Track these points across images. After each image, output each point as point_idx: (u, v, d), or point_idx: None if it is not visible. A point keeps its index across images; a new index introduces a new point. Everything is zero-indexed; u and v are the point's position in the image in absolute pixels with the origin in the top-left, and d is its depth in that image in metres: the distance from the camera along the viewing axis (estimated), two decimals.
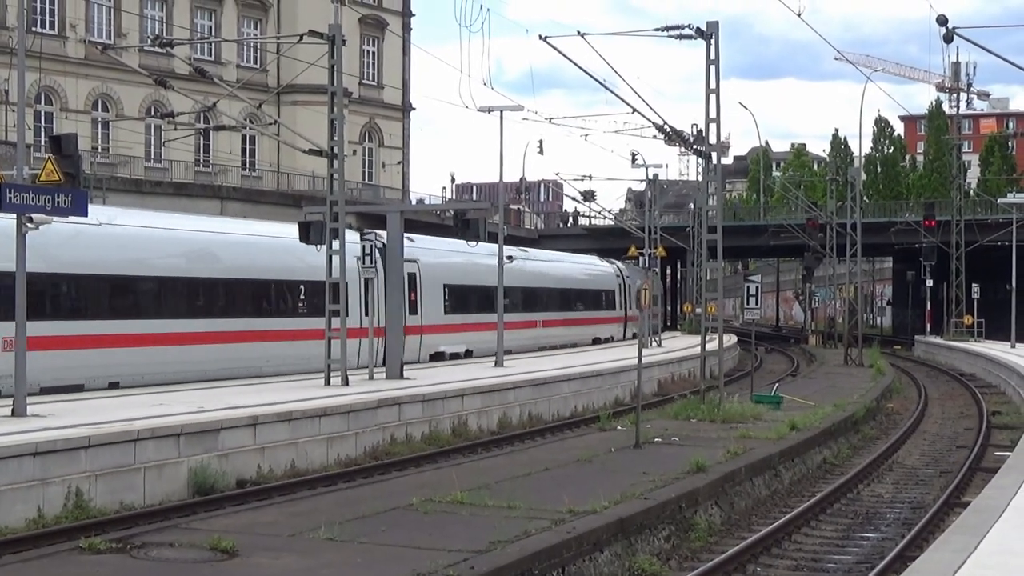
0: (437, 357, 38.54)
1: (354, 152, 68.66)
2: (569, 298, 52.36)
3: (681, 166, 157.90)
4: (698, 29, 29.58)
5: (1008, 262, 58.39)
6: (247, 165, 67.64)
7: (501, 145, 37.48)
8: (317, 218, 29.50)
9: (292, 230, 29.93)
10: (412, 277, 36.28)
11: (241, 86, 41.46)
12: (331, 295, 28.45)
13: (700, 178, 64.15)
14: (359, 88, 71.68)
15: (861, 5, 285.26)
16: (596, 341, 54.28)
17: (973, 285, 65.21)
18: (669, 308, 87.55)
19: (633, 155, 59.66)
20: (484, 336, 39.72)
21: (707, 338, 33.48)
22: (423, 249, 38.57)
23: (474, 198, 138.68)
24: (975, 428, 31.91)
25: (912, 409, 37.20)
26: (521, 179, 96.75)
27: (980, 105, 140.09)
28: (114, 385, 26.13)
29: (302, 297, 32.18)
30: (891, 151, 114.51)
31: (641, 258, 53.16)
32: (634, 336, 59.25)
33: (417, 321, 36.96)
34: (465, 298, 41.20)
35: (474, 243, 35.06)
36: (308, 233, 29.03)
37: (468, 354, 40.33)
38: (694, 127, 61.00)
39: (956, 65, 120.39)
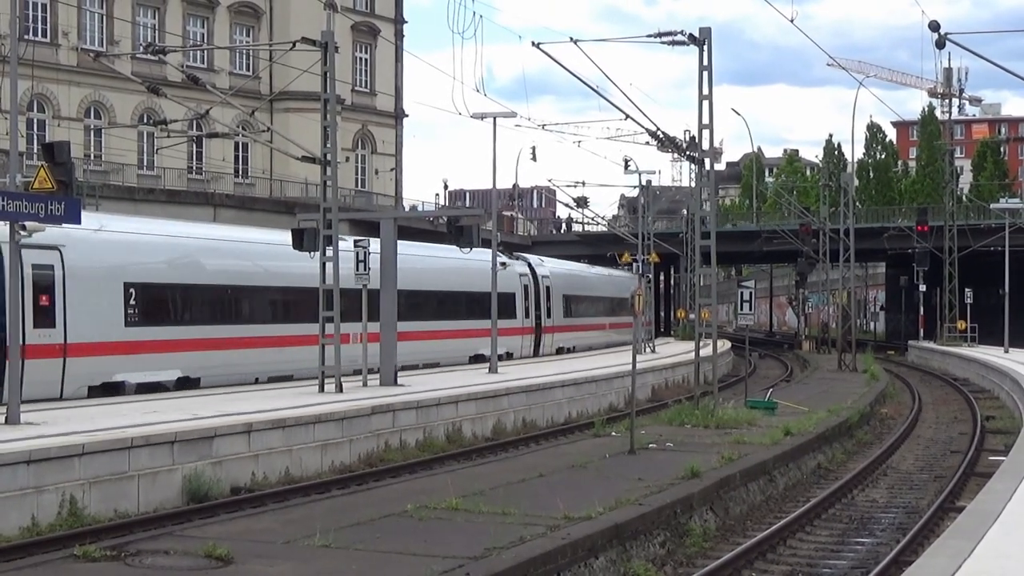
0: (109, 390, 26.58)
1: (347, 159, 68.63)
2: (419, 304, 38.19)
3: (674, 172, 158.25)
4: (691, 35, 29.59)
5: (1001, 267, 58.52)
6: (240, 172, 67.62)
7: (494, 151, 37.55)
8: (310, 225, 29.51)
9: None
10: (47, 274, 25.30)
11: (234, 93, 41.54)
12: (325, 302, 28.43)
13: (693, 184, 64.15)
14: (352, 95, 71.66)
15: (851, 11, 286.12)
16: (479, 359, 41.83)
17: (966, 290, 65.26)
18: (663, 314, 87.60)
19: (626, 161, 59.61)
20: (221, 358, 29.75)
21: (701, 344, 33.47)
22: (86, 234, 26.20)
23: (467, 205, 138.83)
24: (969, 433, 31.93)
25: (906, 414, 37.21)
26: (514, 185, 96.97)
27: (972, 111, 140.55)
28: None
29: None
30: (884, 157, 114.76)
31: (635, 264, 53.12)
32: (559, 352, 51.47)
33: (56, 338, 25.43)
34: (176, 303, 29.12)
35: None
36: (302, 240, 29.04)
37: (186, 383, 28.51)
38: (687, 133, 61.02)
39: (948, 71, 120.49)
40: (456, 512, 15.97)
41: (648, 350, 51.15)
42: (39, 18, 58.49)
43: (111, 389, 26.65)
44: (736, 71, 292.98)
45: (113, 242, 28.10)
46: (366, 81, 74.87)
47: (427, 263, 40.65)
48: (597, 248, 77.91)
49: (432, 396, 27.05)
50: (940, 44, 28.23)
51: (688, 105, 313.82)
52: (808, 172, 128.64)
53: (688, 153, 38.83)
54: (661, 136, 36.01)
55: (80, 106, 59.85)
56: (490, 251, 38.01)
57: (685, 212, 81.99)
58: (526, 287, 48.62)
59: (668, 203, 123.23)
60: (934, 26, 27.53)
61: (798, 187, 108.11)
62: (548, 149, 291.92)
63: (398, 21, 77.18)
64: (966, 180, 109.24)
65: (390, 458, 23.80)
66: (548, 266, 52.99)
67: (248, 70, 66.87)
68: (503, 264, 42.21)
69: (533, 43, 30.95)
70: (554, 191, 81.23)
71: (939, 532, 16.46)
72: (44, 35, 58.40)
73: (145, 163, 61.93)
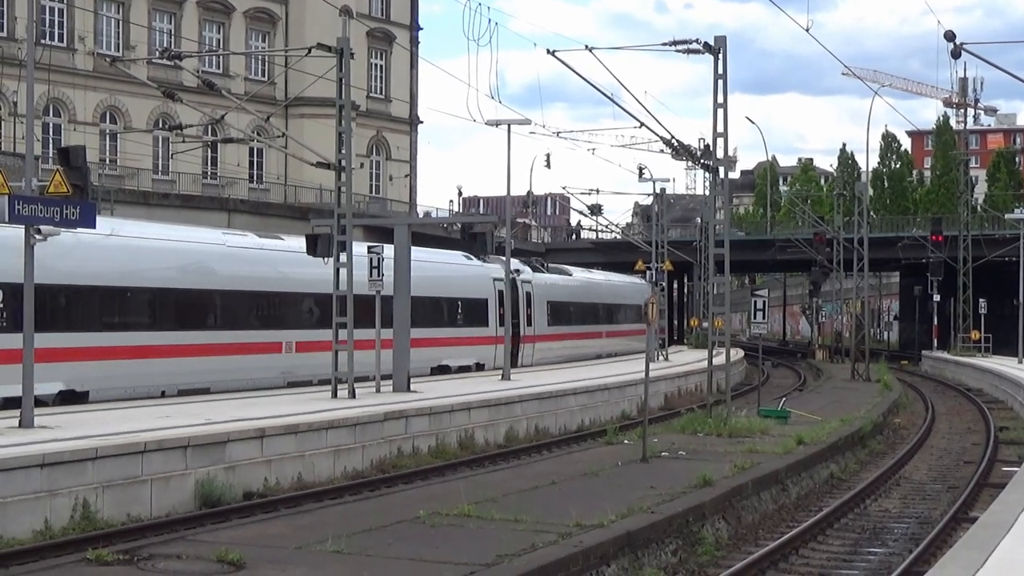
0: None
1: (361, 165, 68.69)
2: None
3: (688, 180, 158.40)
4: (706, 44, 29.59)
5: (1015, 277, 58.32)
6: (254, 178, 67.74)
7: (508, 159, 37.48)
8: (325, 231, 29.54)
9: None
10: None
11: (249, 99, 41.60)
12: (339, 307, 28.42)
13: (707, 192, 64.12)
14: (367, 101, 71.75)
15: (863, 20, 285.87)
16: None
17: (980, 300, 65.11)
18: (676, 322, 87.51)
19: (640, 169, 59.60)
20: None
21: (714, 352, 33.43)
22: None
23: (481, 211, 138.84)
24: (982, 443, 31.85)
25: (919, 424, 37.14)
26: (528, 192, 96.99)
27: (987, 120, 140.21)
28: None
29: None
30: (898, 166, 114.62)
31: (648, 272, 53.07)
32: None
33: None
34: None
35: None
36: (316, 246, 29.07)
37: None
38: (701, 141, 61.01)
39: (963, 81, 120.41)
40: (468, 519, 15.97)
41: (661, 358, 51.08)
42: (56, 23, 58.67)
43: None
44: (748, 79, 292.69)
45: None
46: (381, 87, 74.98)
47: None
48: (611, 256, 77.92)
49: (445, 403, 27.06)
50: (956, 54, 28.16)
51: (701, 113, 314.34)
52: (822, 181, 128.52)
53: (702, 161, 38.83)
54: (675, 144, 36.00)
55: (96, 110, 60.00)
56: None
57: (699, 220, 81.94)
58: None
59: (682, 211, 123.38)
60: (950, 36, 27.46)
61: (812, 196, 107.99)
62: (562, 156, 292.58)
63: (413, 28, 77.28)
64: (981, 190, 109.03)
65: (402, 464, 23.81)
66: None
67: (263, 76, 66.99)
68: None
69: (548, 51, 30.98)
70: (568, 198, 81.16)
71: (952, 543, 16.42)
72: (61, 40, 58.57)
73: (160, 168, 62.04)
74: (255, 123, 53.52)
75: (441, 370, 38.52)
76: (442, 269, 41.02)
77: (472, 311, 41.99)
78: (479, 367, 41.37)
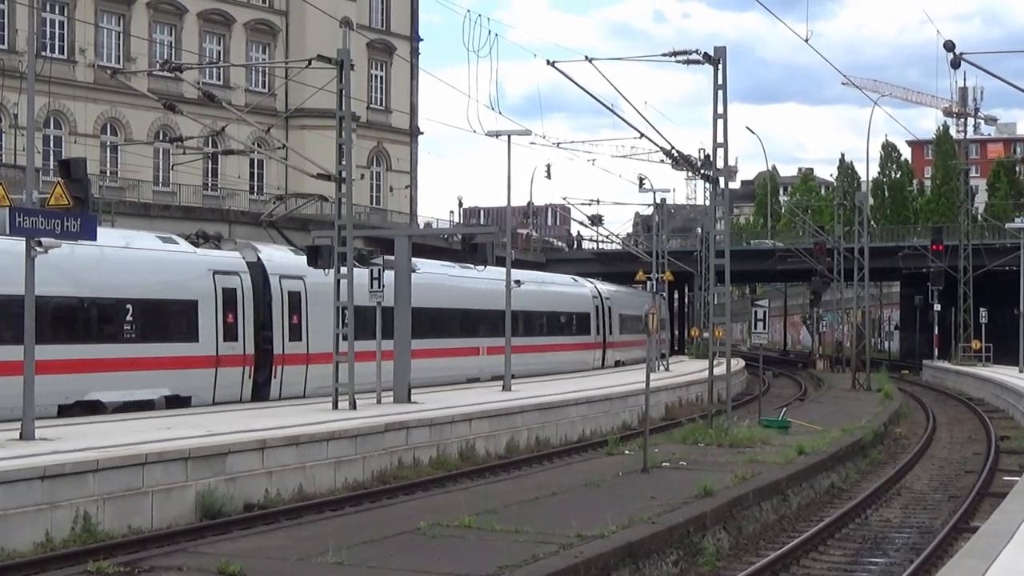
0: None
1: (362, 176, 68.73)
2: None
3: (688, 190, 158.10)
4: (706, 55, 29.63)
5: (1016, 286, 58.31)
6: (255, 189, 67.75)
7: (509, 169, 37.53)
8: (325, 242, 29.55)
9: None
10: None
11: (249, 110, 41.65)
12: (341, 318, 28.43)
13: (707, 202, 64.08)
14: (367, 112, 71.79)
15: (861, 30, 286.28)
16: None
17: (981, 310, 65.12)
18: (677, 332, 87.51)
19: (640, 179, 59.41)
20: None
21: (715, 362, 33.44)
22: None
23: (482, 222, 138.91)
24: (983, 453, 31.83)
25: (920, 434, 37.12)
26: (529, 203, 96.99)
27: (987, 130, 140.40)
28: None
29: None
30: (898, 176, 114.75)
31: (649, 282, 53.02)
32: None
33: None
34: None
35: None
36: (316, 257, 29.08)
37: None
38: (701, 151, 61.00)
39: (964, 90, 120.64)
40: (469, 530, 15.97)
41: (662, 368, 51.06)
42: (56, 35, 58.75)
43: None
44: (747, 89, 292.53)
45: None
46: (381, 98, 75.05)
47: None
48: (611, 266, 77.93)
49: (446, 414, 27.06)
50: (955, 64, 28.21)
51: (701, 123, 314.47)
52: (822, 191, 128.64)
53: (702, 172, 38.83)
54: (675, 155, 36.00)
55: (96, 123, 60.05)
56: None
57: (699, 230, 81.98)
58: None
59: (682, 221, 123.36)
60: (949, 46, 27.50)
61: (812, 206, 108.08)
62: (562, 167, 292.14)
63: (413, 39, 77.37)
64: (981, 199, 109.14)
65: (403, 475, 23.82)
66: None
67: (264, 87, 67.05)
68: None
69: (548, 62, 30.98)
70: (568, 209, 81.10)
71: (953, 552, 16.42)
72: (61, 52, 58.65)
73: (161, 180, 62.07)
74: (255, 135, 53.61)
75: (89, 408, 25.90)
76: (102, 257, 27.17)
77: (158, 318, 28.35)
78: (178, 401, 28.30)
